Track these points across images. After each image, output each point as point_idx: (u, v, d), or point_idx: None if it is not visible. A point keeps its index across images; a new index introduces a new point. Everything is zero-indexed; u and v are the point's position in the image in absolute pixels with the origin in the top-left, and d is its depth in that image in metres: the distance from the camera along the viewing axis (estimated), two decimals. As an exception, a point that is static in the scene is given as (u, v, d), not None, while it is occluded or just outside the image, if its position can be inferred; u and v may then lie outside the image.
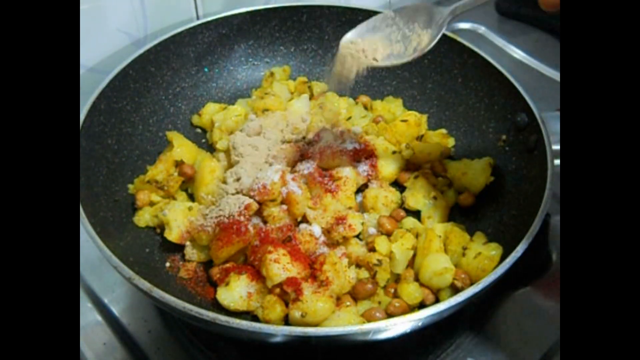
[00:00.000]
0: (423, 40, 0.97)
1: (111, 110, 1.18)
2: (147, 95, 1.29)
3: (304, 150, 1.22)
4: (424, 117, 1.35)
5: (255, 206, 1.07)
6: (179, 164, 1.21)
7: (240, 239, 1.03)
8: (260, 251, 1.03)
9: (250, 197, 1.08)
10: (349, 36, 1.05)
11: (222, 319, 0.82)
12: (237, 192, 1.11)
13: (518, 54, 1.74)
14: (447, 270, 1.01)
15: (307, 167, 1.16)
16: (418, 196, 1.19)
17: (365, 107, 1.42)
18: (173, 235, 1.08)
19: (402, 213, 1.19)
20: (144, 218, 1.13)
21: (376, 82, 1.48)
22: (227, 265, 1.06)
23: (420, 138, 1.32)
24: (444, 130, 1.36)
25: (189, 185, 1.22)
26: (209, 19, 1.37)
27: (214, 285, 1.05)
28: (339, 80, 1.05)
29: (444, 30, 0.95)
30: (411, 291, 1.02)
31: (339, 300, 1.02)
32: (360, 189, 1.23)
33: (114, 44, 1.33)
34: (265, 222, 1.10)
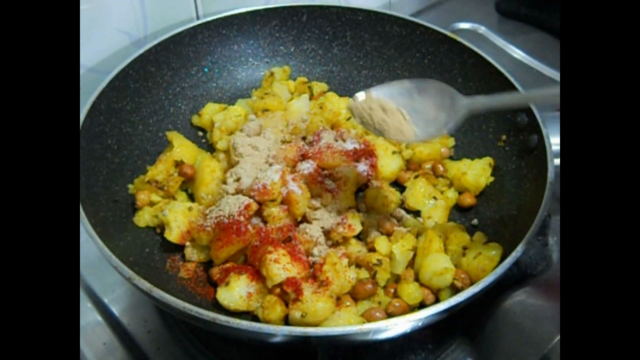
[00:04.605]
0: (438, 123, 0.91)
1: (111, 110, 1.18)
2: (147, 95, 1.29)
3: (304, 150, 1.22)
4: (424, 117, 1.35)
5: (255, 206, 1.07)
6: (179, 164, 1.21)
7: (240, 239, 1.03)
8: (260, 251, 1.03)
9: (250, 197, 1.08)
10: (371, 94, 0.98)
11: (222, 319, 0.82)
12: (237, 192, 1.11)
13: (518, 54, 1.74)
14: (447, 270, 1.01)
15: (307, 167, 1.16)
16: (418, 196, 1.19)
17: (365, 107, 1.42)
18: (173, 235, 1.08)
19: (402, 213, 1.19)
20: (144, 218, 1.13)
21: (376, 82, 1.47)
22: (227, 265, 1.06)
23: (420, 138, 1.32)
24: (444, 130, 1.36)
25: (189, 185, 1.22)
26: (209, 19, 1.37)
27: (214, 285, 1.05)
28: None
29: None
30: (411, 291, 1.02)
31: (339, 300, 1.02)
32: (360, 189, 1.23)
33: (114, 44, 1.33)
34: (265, 222, 1.10)
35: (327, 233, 1.10)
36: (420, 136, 0.94)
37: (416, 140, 0.95)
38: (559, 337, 1.06)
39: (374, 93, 0.98)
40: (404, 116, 0.95)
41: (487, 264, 1.01)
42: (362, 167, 1.22)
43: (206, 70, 1.42)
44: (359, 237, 1.14)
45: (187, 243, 1.10)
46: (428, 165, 1.27)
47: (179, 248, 1.11)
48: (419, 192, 1.19)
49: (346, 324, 0.95)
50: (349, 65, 1.49)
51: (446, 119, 0.90)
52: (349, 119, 1.34)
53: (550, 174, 1.03)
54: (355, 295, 1.04)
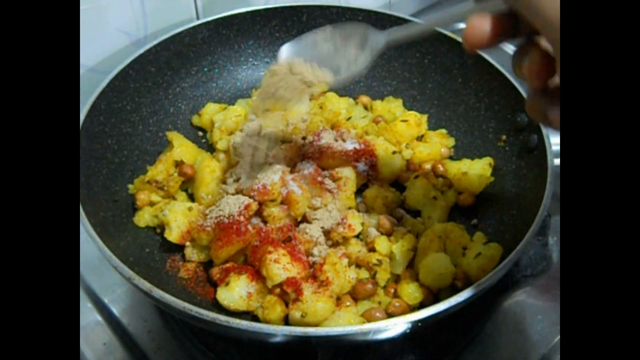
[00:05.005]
0: (357, 61, 0.96)
1: (111, 110, 1.18)
2: (147, 95, 1.29)
3: (304, 150, 1.22)
4: (424, 117, 1.35)
5: (255, 206, 1.07)
6: (179, 164, 1.21)
7: (240, 239, 1.03)
8: (260, 251, 1.03)
9: (250, 197, 1.08)
10: (288, 54, 1.01)
11: (222, 319, 0.82)
12: (237, 192, 1.11)
13: (518, 53, 1.74)
14: (447, 270, 1.01)
15: (307, 167, 1.16)
16: (418, 196, 1.19)
17: (365, 107, 1.42)
18: (173, 235, 1.08)
19: (402, 213, 1.19)
20: (144, 218, 1.13)
21: (376, 82, 1.48)
22: (227, 265, 1.06)
23: (420, 138, 1.31)
24: (444, 130, 1.36)
25: (189, 185, 1.22)
26: (209, 19, 1.36)
27: (214, 285, 1.05)
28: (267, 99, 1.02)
29: (375, 56, 0.95)
30: (411, 291, 1.02)
31: (339, 301, 1.02)
32: (360, 189, 1.23)
33: (114, 44, 1.33)
34: (265, 222, 1.10)
35: (327, 233, 1.10)
36: (342, 77, 0.97)
37: (338, 82, 0.98)
38: (559, 337, 1.06)
39: (285, 54, 1.01)
40: (313, 67, 0.99)
41: (487, 264, 1.01)
42: (362, 167, 1.22)
43: (206, 70, 1.42)
44: (359, 237, 1.14)
45: (187, 243, 1.10)
46: (428, 165, 1.27)
47: (179, 248, 1.11)
48: (419, 192, 1.19)
49: (346, 324, 0.95)
50: (348, 65, 1.49)
51: (366, 56, 0.95)
52: (349, 118, 1.35)
53: (550, 174, 1.03)
54: (355, 295, 1.04)
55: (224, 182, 1.15)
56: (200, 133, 1.38)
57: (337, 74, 0.97)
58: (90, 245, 0.91)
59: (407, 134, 1.29)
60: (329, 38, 0.99)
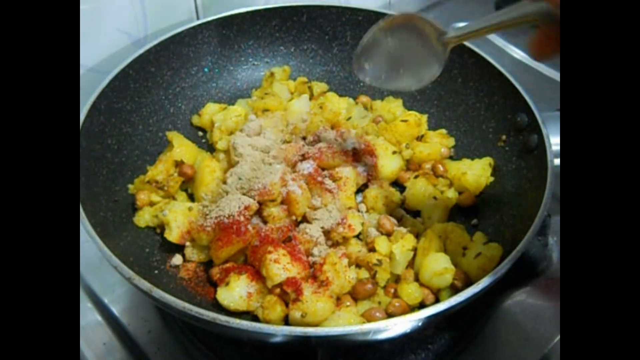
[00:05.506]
0: (431, 69, 0.99)
1: (111, 110, 1.18)
2: (147, 95, 1.29)
3: (304, 150, 1.22)
4: (424, 117, 1.35)
5: (255, 206, 1.07)
6: (179, 164, 1.21)
7: (240, 239, 1.03)
8: (260, 251, 1.03)
9: (250, 197, 1.08)
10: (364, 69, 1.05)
11: (222, 319, 0.82)
12: (237, 192, 1.11)
13: (518, 54, 1.74)
14: (447, 270, 1.01)
15: (307, 167, 1.16)
16: (418, 196, 1.19)
17: (365, 107, 1.42)
18: (173, 235, 1.08)
19: (402, 213, 1.19)
20: (144, 218, 1.13)
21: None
22: (227, 265, 1.06)
23: (420, 138, 1.32)
24: (444, 130, 1.36)
25: (189, 185, 1.22)
26: (209, 19, 1.36)
27: (214, 285, 1.05)
28: None
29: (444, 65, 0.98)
30: (411, 291, 1.02)
31: (339, 300, 1.02)
32: (360, 189, 1.23)
33: (114, 44, 1.33)
34: (265, 222, 1.10)
35: (327, 233, 1.10)
36: (422, 84, 1.04)
37: (419, 86, 1.04)
38: (559, 337, 1.06)
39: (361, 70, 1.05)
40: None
41: (487, 264, 1.01)
42: (362, 167, 1.22)
43: (206, 70, 1.42)
44: (359, 237, 1.14)
45: (187, 243, 1.10)
46: (428, 165, 1.27)
47: (179, 248, 1.11)
48: (419, 192, 1.19)
49: (346, 324, 0.95)
50: (349, 65, 1.49)
51: (436, 68, 1.00)
52: (349, 118, 1.35)
53: (550, 174, 1.03)
54: (355, 295, 1.04)
55: (224, 182, 1.15)
56: (200, 133, 1.38)
57: (414, 81, 1.02)
58: (90, 245, 0.91)
59: (407, 134, 1.29)
60: (385, 40, 1.02)
